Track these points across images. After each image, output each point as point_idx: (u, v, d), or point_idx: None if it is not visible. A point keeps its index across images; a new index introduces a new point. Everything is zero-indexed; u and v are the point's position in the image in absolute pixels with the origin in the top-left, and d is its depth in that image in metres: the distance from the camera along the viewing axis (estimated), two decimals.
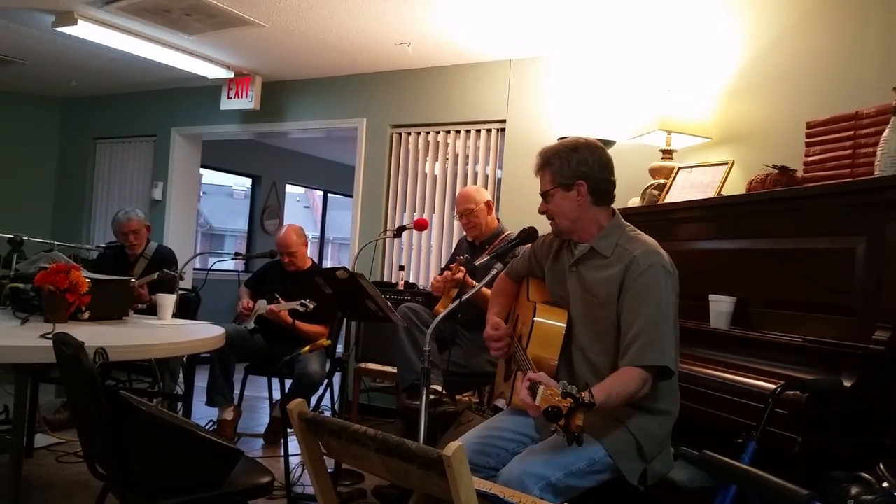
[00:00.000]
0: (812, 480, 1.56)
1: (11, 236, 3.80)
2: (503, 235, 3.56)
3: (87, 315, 3.19)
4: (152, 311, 3.88)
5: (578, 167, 2.10)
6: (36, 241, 4.01)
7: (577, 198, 2.11)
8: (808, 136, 2.77)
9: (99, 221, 6.93)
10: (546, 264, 2.31)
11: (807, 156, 2.76)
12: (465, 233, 3.79)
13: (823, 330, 2.39)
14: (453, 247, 4.79)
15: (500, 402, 3.26)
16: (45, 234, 5.80)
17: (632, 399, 1.91)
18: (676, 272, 2.07)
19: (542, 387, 1.70)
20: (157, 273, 4.15)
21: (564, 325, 2.13)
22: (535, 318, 2.13)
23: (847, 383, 2.10)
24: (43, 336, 2.53)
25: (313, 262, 4.64)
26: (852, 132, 2.57)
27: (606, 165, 2.14)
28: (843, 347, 2.21)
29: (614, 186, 2.17)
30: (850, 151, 2.56)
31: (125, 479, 1.90)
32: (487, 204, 3.62)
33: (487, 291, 3.16)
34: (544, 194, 2.17)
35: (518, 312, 2.42)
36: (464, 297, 2.62)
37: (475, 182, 4.95)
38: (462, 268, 3.21)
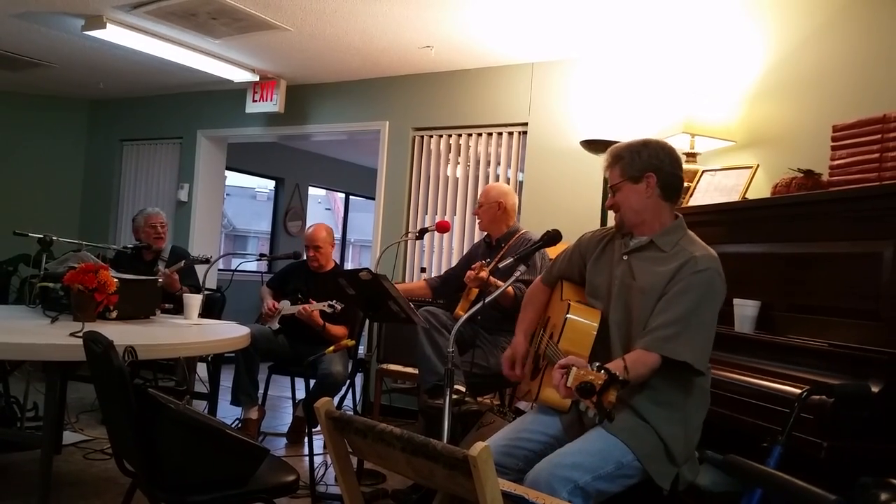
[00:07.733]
0: (838, 486, 1.55)
1: (41, 236, 3.84)
2: (518, 234, 3.57)
3: (114, 314, 3.25)
4: (178, 311, 3.93)
5: (649, 160, 2.16)
6: (64, 241, 4.06)
7: (647, 190, 2.16)
8: (833, 139, 2.74)
9: (125, 222, 7.00)
10: (590, 258, 2.32)
11: (832, 160, 2.73)
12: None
13: (849, 335, 2.37)
14: None
15: (522, 405, 3.27)
16: (72, 235, 5.89)
17: (640, 381, 1.96)
18: (725, 288, 2.11)
19: (574, 368, 1.75)
20: (184, 261, 4.19)
21: (597, 326, 2.14)
22: (567, 315, 2.16)
23: (875, 389, 2.08)
24: (73, 334, 2.58)
25: (336, 263, 4.67)
26: (879, 136, 2.53)
27: (676, 161, 2.21)
28: (870, 353, 2.19)
29: (682, 182, 2.24)
30: (877, 155, 2.53)
31: (153, 476, 1.94)
32: (499, 204, 3.62)
33: (509, 290, 3.18)
34: (613, 187, 2.22)
35: (549, 314, 2.42)
36: (486, 300, 2.63)
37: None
38: (485, 268, 3.23)
